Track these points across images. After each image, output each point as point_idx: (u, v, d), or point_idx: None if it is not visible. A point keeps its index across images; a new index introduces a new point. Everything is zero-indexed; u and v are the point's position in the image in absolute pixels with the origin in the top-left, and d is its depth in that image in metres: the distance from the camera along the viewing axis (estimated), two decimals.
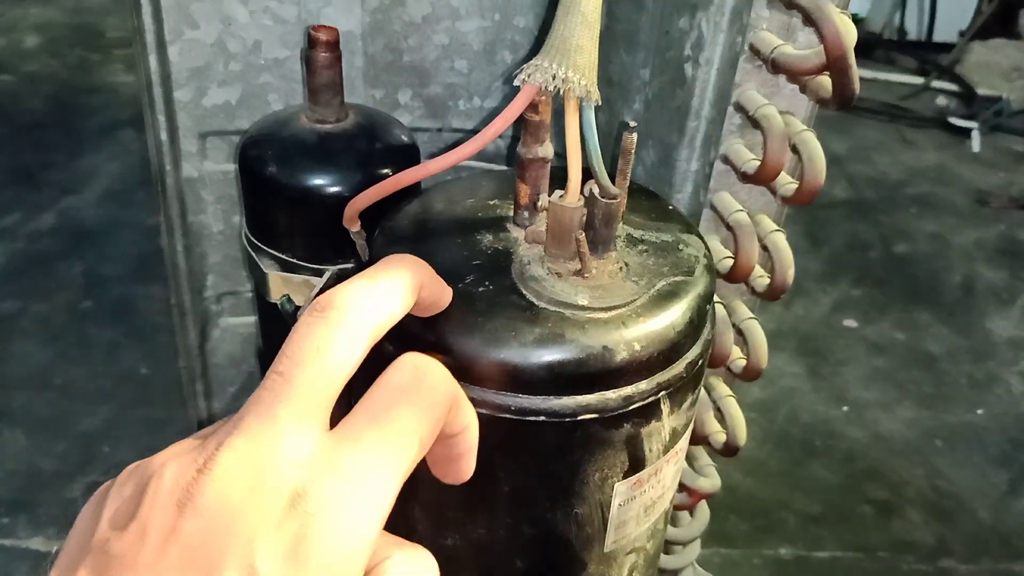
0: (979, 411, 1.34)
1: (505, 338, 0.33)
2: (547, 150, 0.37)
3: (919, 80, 2.54)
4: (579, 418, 0.34)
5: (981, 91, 2.47)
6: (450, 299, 0.33)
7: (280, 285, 0.49)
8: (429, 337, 0.34)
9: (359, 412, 0.26)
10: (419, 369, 0.28)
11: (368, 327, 0.27)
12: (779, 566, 1.10)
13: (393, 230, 0.40)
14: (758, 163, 0.43)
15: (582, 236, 0.35)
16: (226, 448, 0.24)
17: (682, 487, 0.56)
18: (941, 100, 2.53)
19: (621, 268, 0.36)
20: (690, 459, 0.57)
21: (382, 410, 0.26)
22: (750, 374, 0.49)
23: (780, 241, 0.46)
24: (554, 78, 0.33)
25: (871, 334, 1.47)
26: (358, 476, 0.25)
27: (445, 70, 0.59)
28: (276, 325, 0.49)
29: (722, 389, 0.53)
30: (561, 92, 0.33)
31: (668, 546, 0.63)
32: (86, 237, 1.66)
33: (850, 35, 0.37)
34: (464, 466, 0.32)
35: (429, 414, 0.28)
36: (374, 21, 0.56)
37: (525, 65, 0.33)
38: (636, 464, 0.37)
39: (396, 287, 0.29)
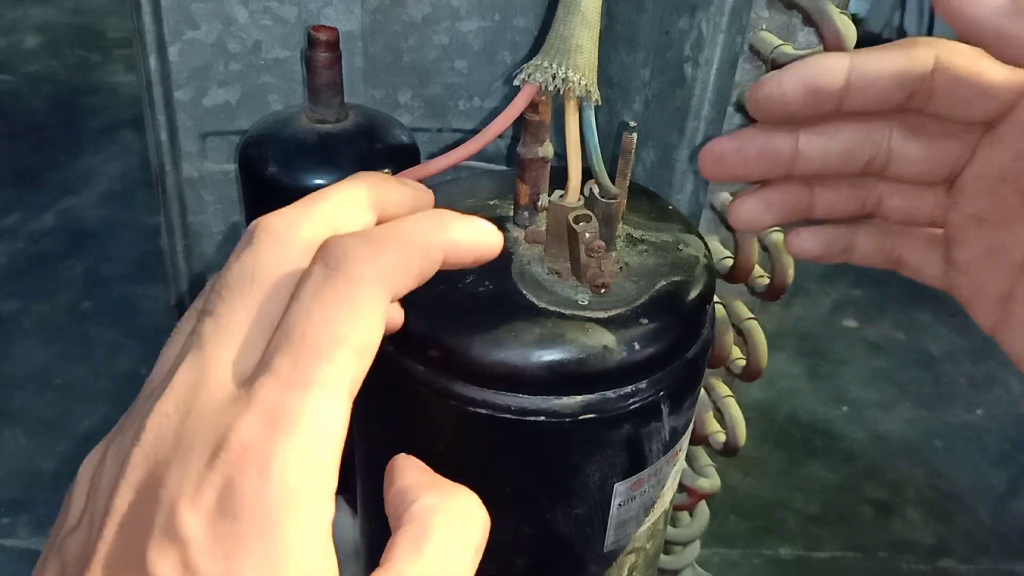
0: (978, 411, 1.34)
1: (505, 338, 0.33)
2: (547, 150, 0.37)
3: None
4: (579, 418, 0.34)
5: None
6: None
7: None
8: (429, 336, 0.34)
9: (274, 336, 0.22)
10: (336, 252, 0.22)
11: (311, 247, 0.23)
12: (779, 566, 1.10)
13: None
14: None
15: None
16: (154, 412, 0.21)
17: (682, 487, 0.56)
18: None
19: (621, 268, 0.36)
20: (690, 459, 0.57)
21: (297, 322, 0.21)
22: (750, 374, 0.49)
23: (780, 241, 0.46)
24: (554, 78, 0.33)
25: (871, 334, 1.47)
26: (277, 410, 0.20)
27: (445, 70, 0.59)
28: None
29: (722, 389, 0.53)
30: (561, 92, 0.33)
31: (668, 546, 0.63)
32: (86, 237, 1.66)
33: (850, 35, 0.37)
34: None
35: (362, 305, 0.22)
36: (374, 21, 0.56)
37: (525, 65, 0.33)
38: (636, 464, 0.37)
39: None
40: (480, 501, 0.26)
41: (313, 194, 0.25)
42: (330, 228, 0.24)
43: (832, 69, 0.29)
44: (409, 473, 0.26)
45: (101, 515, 0.21)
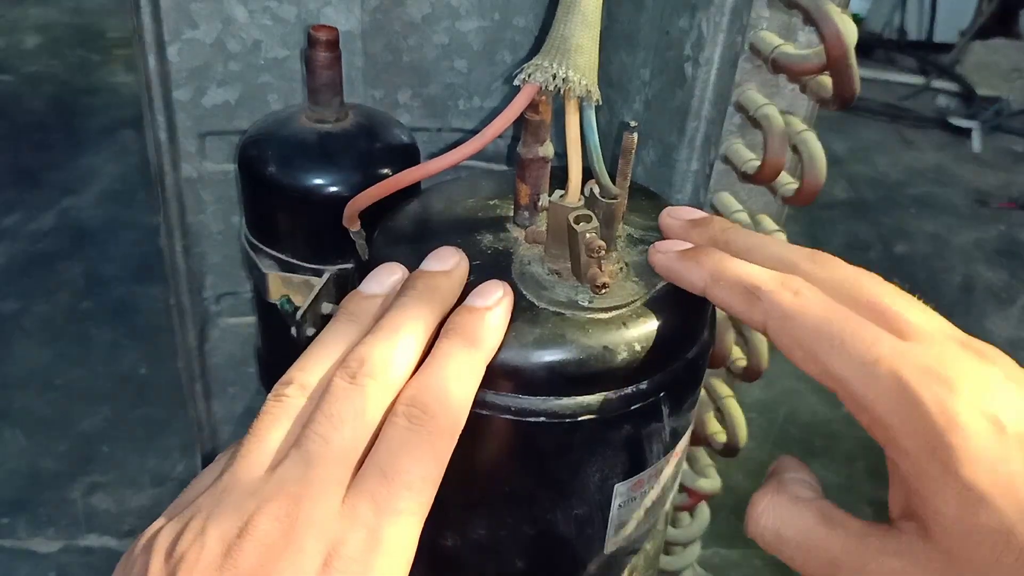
0: None
1: (505, 339, 0.33)
2: (547, 150, 0.37)
3: (919, 80, 2.55)
4: (579, 419, 0.34)
5: (981, 91, 2.47)
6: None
7: (279, 285, 0.49)
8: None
9: (369, 467, 0.28)
10: (416, 409, 0.29)
11: (398, 387, 0.30)
12: (779, 566, 1.10)
13: (393, 230, 0.40)
14: (758, 163, 0.43)
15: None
16: (263, 513, 0.26)
17: (682, 488, 0.56)
18: (941, 100, 2.53)
19: (621, 268, 0.36)
20: (690, 460, 0.57)
21: (389, 462, 0.28)
22: (750, 375, 0.49)
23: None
24: (554, 78, 0.33)
25: None
26: (376, 532, 0.27)
27: (445, 70, 0.59)
28: (276, 325, 0.49)
29: (722, 389, 0.53)
30: (561, 92, 0.33)
31: (668, 547, 0.63)
32: (86, 237, 1.66)
33: (850, 35, 0.37)
34: None
35: (439, 450, 0.29)
36: (374, 21, 0.56)
37: (525, 65, 0.33)
38: (636, 465, 0.37)
39: (413, 342, 0.31)
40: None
41: (392, 320, 0.31)
42: (415, 361, 0.31)
43: None
44: None
45: None
